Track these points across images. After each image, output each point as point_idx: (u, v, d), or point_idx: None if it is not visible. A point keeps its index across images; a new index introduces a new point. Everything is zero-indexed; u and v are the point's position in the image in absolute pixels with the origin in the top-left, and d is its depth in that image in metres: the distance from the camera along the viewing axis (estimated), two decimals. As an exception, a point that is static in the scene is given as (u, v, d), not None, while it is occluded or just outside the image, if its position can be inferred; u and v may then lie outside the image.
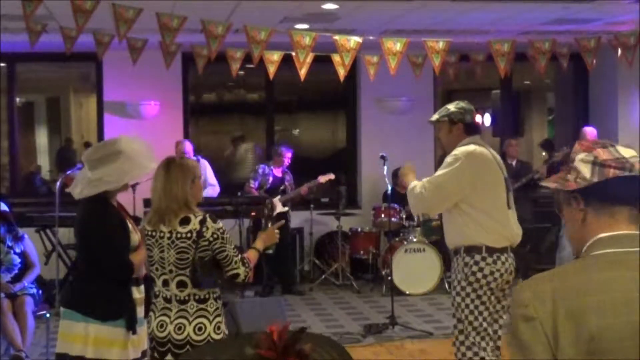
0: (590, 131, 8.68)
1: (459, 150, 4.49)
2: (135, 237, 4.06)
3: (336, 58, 7.43)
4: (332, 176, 9.06)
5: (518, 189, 8.24)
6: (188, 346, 3.63)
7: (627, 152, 1.81)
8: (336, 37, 7.18)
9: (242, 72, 9.79)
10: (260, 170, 9.04)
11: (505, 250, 4.48)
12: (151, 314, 3.80)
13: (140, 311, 4.02)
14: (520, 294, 1.72)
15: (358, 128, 10.57)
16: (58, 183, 6.98)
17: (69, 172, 6.58)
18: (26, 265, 6.38)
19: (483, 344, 4.41)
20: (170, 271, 3.70)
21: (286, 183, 9.04)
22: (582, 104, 10.95)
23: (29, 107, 13.53)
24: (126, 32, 6.29)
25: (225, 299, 4.12)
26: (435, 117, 4.72)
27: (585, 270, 1.74)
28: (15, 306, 6.13)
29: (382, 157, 7.36)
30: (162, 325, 3.70)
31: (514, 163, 9.09)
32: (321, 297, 8.97)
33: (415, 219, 8.92)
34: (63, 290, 5.96)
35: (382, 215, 9.14)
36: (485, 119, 10.56)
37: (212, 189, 8.96)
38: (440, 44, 7.35)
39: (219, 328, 3.71)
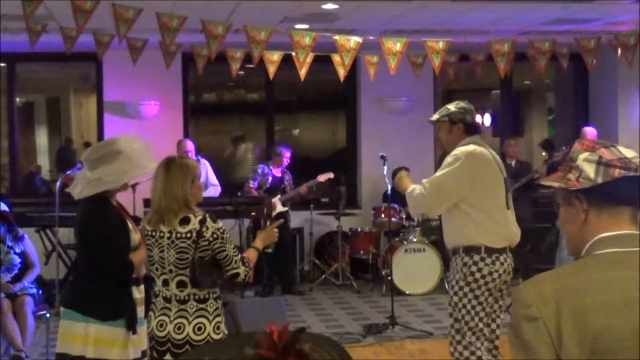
0: (590, 131, 8.68)
1: (459, 150, 4.49)
2: (135, 236, 4.06)
3: (336, 58, 7.43)
4: (331, 175, 9.06)
5: (518, 189, 8.24)
6: (187, 346, 3.63)
7: (628, 153, 1.80)
8: (336, 37, 7.18)
9: (242, 72, 9.79)
10: (259, 170, 9.04)
11: (504, 250, 4.48)
12: (151, 313, 3.80)
13: (140, 311, 4.02)
14: (523, 294, 1.71)
15: (358, 128, 10.57)
16: (58, 183, 6.98)
17: (69, 172, 6.57)
18: (26, 265, 6.38)
19: (478, 344, 4.42)
20: (170, 271, 3.70)
21: (285, 183, 9.04)
22: (582, 104, 10.95)
23: (29, 107, 13.53)
24: (126, 32, 6.29)
25: (225, 299, 4.13)
26: (435, 117, 4.72)
27: (586, 270, 1.74)
28: (15, 306, 6.13)
29: (382, 157, 7.36)
30: (161, 325, 3.70)
31: (513, 163, 9.09)
32: (321, 297, 8.97)
33: (415, 219, 8.93)
34: (63, 290, 5.96)
35: (382, 215, 9.15)
36: (485, 119, 10.55)
37: (214, 189, 8.97)
38: (440, 44, 7.35)
39: (218, 328, 3.71)
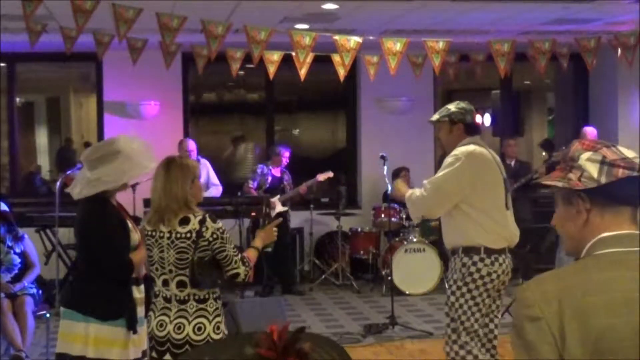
0: (590, 131, 8.68)
1: (459, 151, 4.49)
2: (135, 236, 4.06)
3: (336, 58, 7.43)
4: (330, 174, 9.06)
5: (517, 189, 8.24)
6: (187, 346, 3.63)
7: (629, 153, 1.80)
8: (336, 37, 7.18)
9: (242, 72, 9.79)
10: (258, 171, 9.04)
11: (503, 251, 4.48)
12: (151, 313, 3.80)
13: (140, 311, 4.02)
14: (525, 294, 1.71)
15: (358, 128, 10.57)
16: (58, 183, 6.97)
17: (69, 172, 6.57)
18: (26, 265, 6.38)
19: (472, 344, 4.43)
20: (170, 271, 3.70)
21: (285, 183, 9.04)
22: (582, 104, 10.95)
23: (29, 107, 13.52)
24: (126, 32, 6.29)
25: (225, 299, 4.12)
26: (435, 117, 4.72)
27: (586, 270, 1.73)
28: (15, 306, 6.13)
29: (382, 157, 7.36)
30: (161, 325, 3.70)
31: (512, 163, 9.09)
32: (321, 297, 8.97)
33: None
34: (63, 290, 5.96)
35: (382, 215, 9.15)
36: (485, 119, 10.54)
37: (216, 189, 8.98)
38: (440, 44, 7.35)
39: (218, 328, 3.71)
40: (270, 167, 9.05)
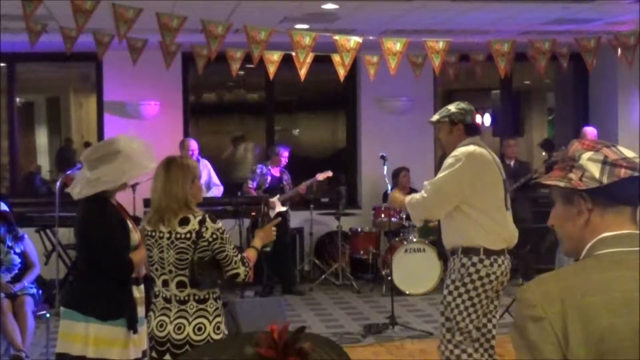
0: (590, 131, 8.68)
1: (459, 151, 4.49)
2: (135, 236, 4.06)
3: (336, 58, 7.43)
4: (329, 173, 9.07)
5: (517, 189, 8.24)
6: (187, 346, 3.63)
7: (629, 153, 1.80)
8: (336, 37, 7.18)
9: (242, 72, 9.79)
10: (258, 171, 9.04)
11: (503, 252, 4.49)
12: (151, 313, 3.80)
13: (140, 311, 4.03)
14: (527, 295, 1.71)
15: (358, 128, 10.57)
16: (58, 183, 6.97)
17: (69, 172, 6.57)
18: (26, 265, 6.38)
19: (466, 343, 4.43)
20: (170, 271, 3.70)
21: (284, 182, 9.05)
22: (582, 104, 10.95)
23: (29, 107, 13.52)
24: (126, 32, 6.29)
25: (225, 299, 4.12)
26: (435, 117, 4.72)
27: (586, 270, 1.73)
28: (15, 306, 6.13)
29: (382, 157, 7.35)
30: (161, 325, 3.70)
31: (512, 163, 9.09)
32: (321, 297, 8.97)
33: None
34: (63, 290, 5.96)
35: (382, 215, 9.15)
36: (485, 119, 10.54)
37: (217, 189, 8.98)
38: (440, 44, 7.35)
39: (218, 328, 3.71)
40: (270, 167, 9.05)
